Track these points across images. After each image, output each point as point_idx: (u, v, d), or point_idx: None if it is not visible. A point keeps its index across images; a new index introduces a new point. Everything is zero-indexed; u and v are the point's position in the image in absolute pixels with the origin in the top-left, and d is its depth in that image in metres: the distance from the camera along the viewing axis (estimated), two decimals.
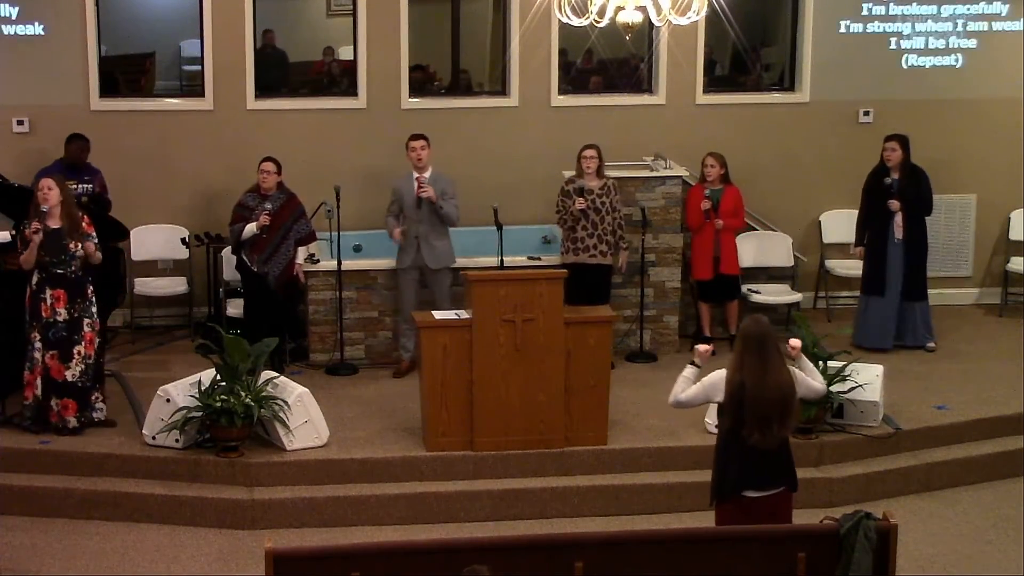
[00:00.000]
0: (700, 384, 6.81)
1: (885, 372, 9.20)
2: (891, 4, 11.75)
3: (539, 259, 10.43)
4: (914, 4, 11.79)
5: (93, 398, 8.92)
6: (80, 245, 8.74)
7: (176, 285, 11.17)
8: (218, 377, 8.53)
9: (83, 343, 8.80)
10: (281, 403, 8.58)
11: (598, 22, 9.20)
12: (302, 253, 10.12)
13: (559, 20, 9.62)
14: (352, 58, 11.40)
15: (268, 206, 9.93)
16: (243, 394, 8.44)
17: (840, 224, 11.65)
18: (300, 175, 10.51)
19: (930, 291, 10.89)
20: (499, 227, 9.99)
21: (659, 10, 9.11)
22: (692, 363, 6.93)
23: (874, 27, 11.78)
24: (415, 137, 10.09)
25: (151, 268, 11.20)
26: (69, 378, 8.78)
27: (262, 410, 8.49)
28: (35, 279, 8.74)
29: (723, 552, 6.20)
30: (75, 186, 10.00)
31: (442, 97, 11.66)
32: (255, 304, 10.04)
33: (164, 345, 10.88)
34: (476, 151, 11.33)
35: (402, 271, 10.16)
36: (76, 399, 8.81)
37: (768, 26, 12.31)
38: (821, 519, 6.42)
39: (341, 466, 8.62)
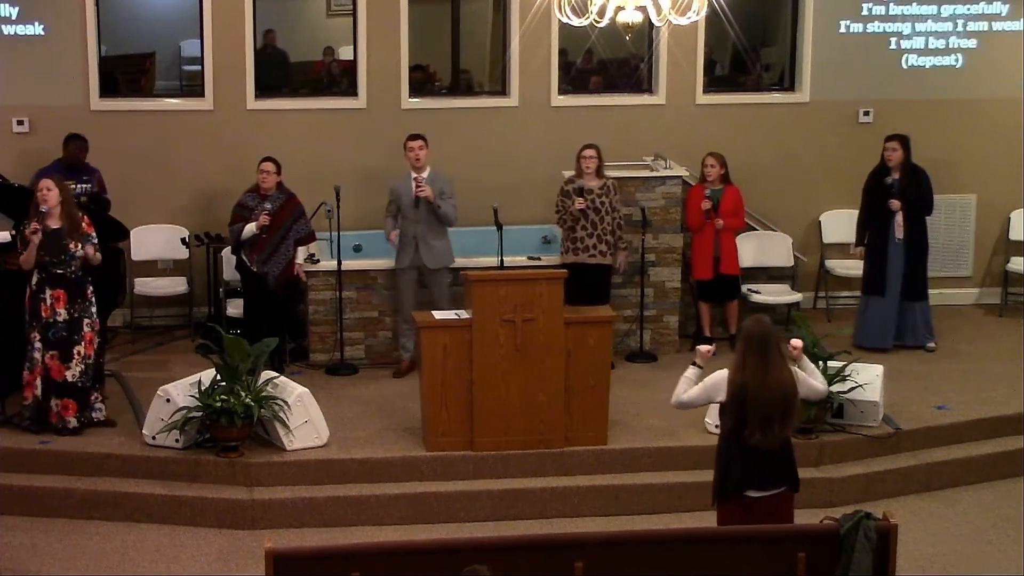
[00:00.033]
0: (702, 384, 6.82)
1: (885, 372, 9.19)
2: (891, 4, 11.75)
3: (539, 259, 10.42)
4: (914, 4, 11.79)
5: (93, 398, 8.91)
6: (80, 245, 8.73)
7: (176, 285, 11.16)
8: (218, 377, 8.53)
9: (83, 343, 8.80)
10: (281, 403, 8.57)
11: (598, 22, 9.19)
12: (302, 253, 10.12)
13: (559, 20, 9.61)
14: (352, 58, 11.40)
15: (268, 206, 9.93)
16: (243, 394, 8.44)
17: (840, 224, 11.64)
18: (300, 175, 10.50)
19: (930, 291, 10.88)
20: (499, 227, 9.99)
21: (659, 10, 9.10)
22: (694, 363, 6.94)
23: (874, 27, 11.77)
24: (413, 137, 10.09)
25: (151, 268, 11.19)
26: (69, 378, 8.77)
27: (262, 410, 8.48)
28: (35, 279, 8.74)
29: (723, 552, 6.20)
30: (74, 186, 9.97)
31: (442, 97, 11.65)
32: (255, 304, 10.03)
33: (164, 345, 10.87)
34: (476, 151, 11.33)
35: (400, 271, 10.16)
36: (76, 399, 8.81)
37: (768, 26, 12.31)
38: (821, 519, 6.42)
39: (341, 466, 8.61)
